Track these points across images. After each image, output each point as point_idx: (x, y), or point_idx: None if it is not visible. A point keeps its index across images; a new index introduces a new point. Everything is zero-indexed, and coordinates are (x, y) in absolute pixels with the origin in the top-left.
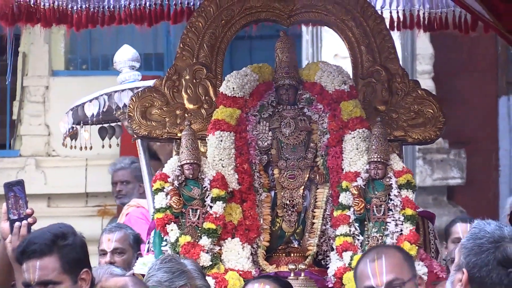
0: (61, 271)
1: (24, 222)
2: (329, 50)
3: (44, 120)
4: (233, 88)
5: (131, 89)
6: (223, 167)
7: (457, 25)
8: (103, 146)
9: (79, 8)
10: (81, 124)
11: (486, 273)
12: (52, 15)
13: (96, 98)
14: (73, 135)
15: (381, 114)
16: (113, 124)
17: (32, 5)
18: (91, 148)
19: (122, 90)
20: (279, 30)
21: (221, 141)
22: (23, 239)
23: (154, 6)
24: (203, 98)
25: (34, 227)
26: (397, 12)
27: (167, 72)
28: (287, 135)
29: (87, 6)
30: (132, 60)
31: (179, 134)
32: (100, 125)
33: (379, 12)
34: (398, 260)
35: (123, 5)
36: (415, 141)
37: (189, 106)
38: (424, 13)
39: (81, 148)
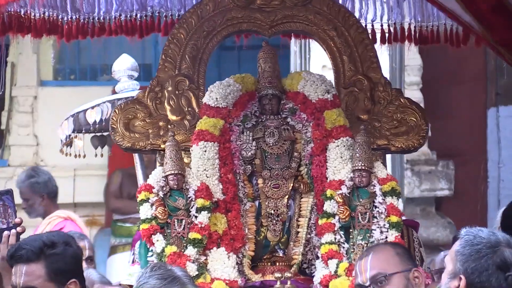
0: (46, 278)
1: (13, 231)
2: (317, 61)
3: (32, 130)
4: (216, 98)
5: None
6: (208, 177)
7: (449, 39)
8: (96, 155)
9: (70, 19)
10: (83, 131)
11: (486, 278)
12: (43, 26)
13: (98, 105)
14: (69, 143)
15: (364, 123)
16: (105, 134)
17: (22, 16)
18: (84, 156)
19: (126, 98)
20: (268, 40)
21: (205, 151)
22: (16, 243)
23: (145, 18)
24: (186, 109)
25: (23, 237)
26: (388, 26)
27: (149, 84)
28: (271, 144)
29: (77, 17)
30: (131, 69)
31: (162, 146)
32: (93, 134)
33: (370, 25)
34: (385, 255)
35: (113, 17)
36: (398, 149)
37: (172, 117)
38: (415, 27)
39: (75, 156)
